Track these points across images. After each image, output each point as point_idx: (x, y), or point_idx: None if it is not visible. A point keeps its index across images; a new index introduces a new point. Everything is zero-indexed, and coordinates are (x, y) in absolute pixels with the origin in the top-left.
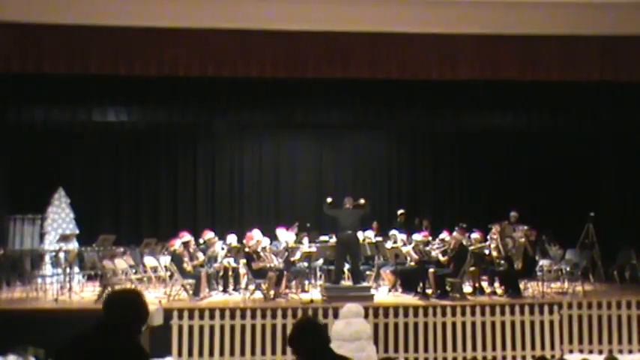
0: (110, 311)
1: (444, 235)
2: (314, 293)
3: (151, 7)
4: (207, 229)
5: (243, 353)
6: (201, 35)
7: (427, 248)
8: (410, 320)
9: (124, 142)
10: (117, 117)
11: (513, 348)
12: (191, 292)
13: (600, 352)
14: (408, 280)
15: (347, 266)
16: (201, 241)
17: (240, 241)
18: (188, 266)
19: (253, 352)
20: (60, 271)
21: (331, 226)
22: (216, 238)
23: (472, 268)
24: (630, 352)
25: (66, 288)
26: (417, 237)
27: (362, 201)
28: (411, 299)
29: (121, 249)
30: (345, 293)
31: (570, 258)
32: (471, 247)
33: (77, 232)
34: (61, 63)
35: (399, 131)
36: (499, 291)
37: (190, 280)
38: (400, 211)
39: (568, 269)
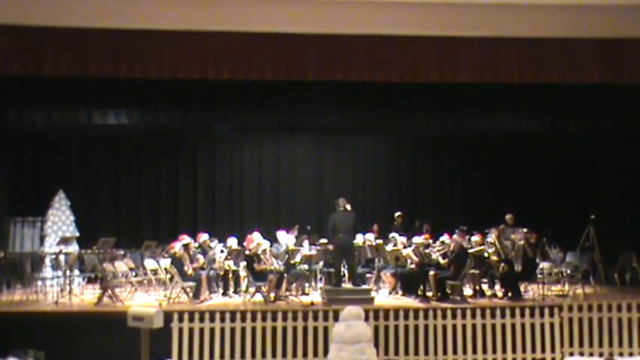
0: None
1: (445, 237)
2: (314, 296)
3: (151, 9)
4: (201, 232)
5: (243, 356)
6: (201, 38)
7: (427, 251)
8: (410, 323)
9: (124, 144)
10: (117, 119)
11: (514, 351)
12: (191, 294)
13: (600, 354)
14: (408, 282)
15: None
16: (196, 244)
17: (240, 243)
18: (189, 269)
19: (254, 355)
20: (60, 273)
21: (330, 230)
22: (215, 241)
23: (472, 271)
24: (631, 354)
25: (66, 290)
26: (418, 239)
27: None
28: (411, 302)
29: (121, 251)
30: (345, 296)
31: (571, 261)
32: (471, 250)
33: (77, 234)
34: (61, 65)
35: (399, 134)
36: (499, 294)
37: (191, 283)
38: (397, 213)
39: (568, 272)
